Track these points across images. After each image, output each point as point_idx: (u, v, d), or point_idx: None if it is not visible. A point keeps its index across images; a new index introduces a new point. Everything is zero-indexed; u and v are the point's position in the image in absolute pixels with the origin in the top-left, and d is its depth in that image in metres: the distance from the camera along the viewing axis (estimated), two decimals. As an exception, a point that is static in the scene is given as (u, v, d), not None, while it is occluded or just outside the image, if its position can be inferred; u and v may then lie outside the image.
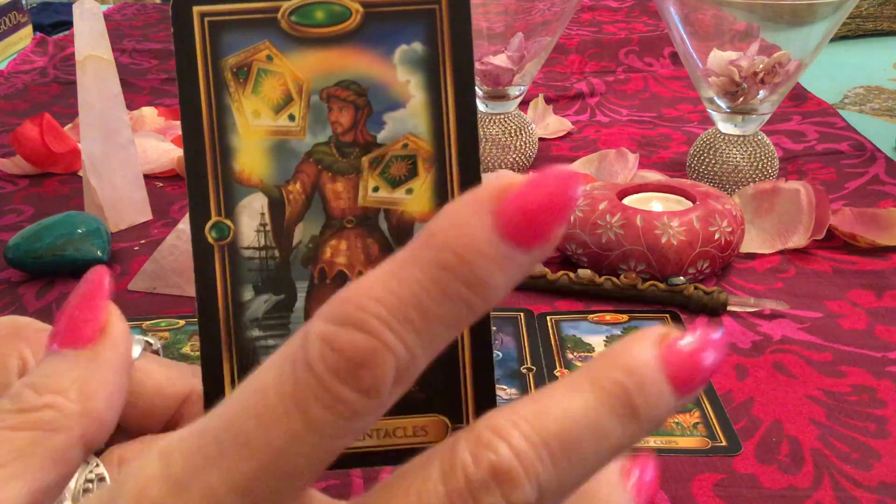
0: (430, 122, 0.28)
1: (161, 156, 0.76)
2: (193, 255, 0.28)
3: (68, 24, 1.39)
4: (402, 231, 0.29)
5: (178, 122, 0.86)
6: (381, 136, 0.28)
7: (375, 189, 0.29)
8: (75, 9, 0.62)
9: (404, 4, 0.28)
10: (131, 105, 0.89)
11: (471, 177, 0.28)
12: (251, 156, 0.28)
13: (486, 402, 0.29)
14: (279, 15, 0.28)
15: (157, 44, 1.22)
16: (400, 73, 0.28)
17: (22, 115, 0.91)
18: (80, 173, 0.74)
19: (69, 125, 0.84)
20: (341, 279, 0.29)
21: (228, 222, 0.28)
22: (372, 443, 0.29)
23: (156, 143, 0.79)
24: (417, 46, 0.28)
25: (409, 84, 0.28)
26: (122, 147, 0.65)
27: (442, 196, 0.29)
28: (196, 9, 0.28)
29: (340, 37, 0.28)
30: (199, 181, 0.28)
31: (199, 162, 0.28)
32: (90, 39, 0.62)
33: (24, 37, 1.28)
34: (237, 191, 0.28)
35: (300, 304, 0.29)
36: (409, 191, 0.29)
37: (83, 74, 0.62)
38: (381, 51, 0.28)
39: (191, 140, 0.28)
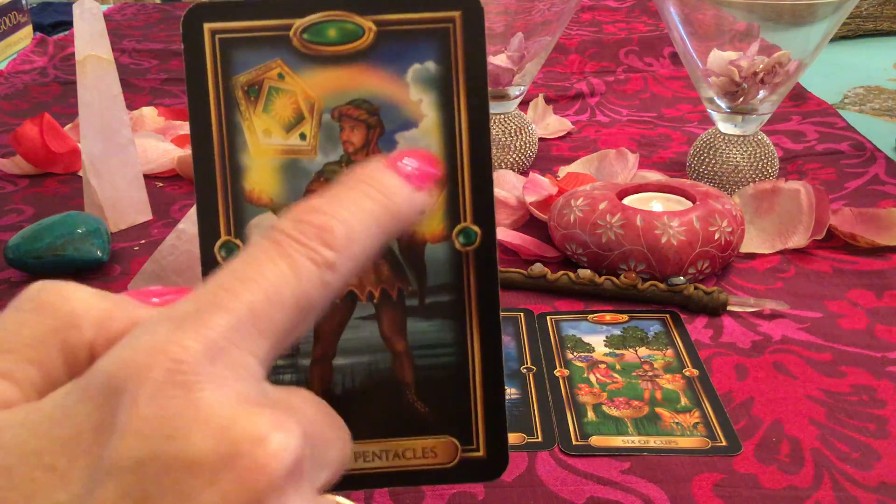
0: (442, 142, 0.28)
1: (161, 156, 0.76)
2: (202, 274, 0.27)
3: (68, 24, 1.39)
4: (413, 251, 0.28)
5: (178, 122, 0.86)
6: None
7: None
8: (75, 9, 0.62)
9: (418, 23, 0.27)
10: (131, 105, 0.89)
11: (483, 197, 0.28)
12: (262, 175, 0.28)
13: (497, 423, 0.29)
14: (291, 33, 0.27)
15: (157, 44, 1.22)
16: (413, 92, 0.28)
17: (22, 115, 0.91)
18: (80, 173, 0.74)
19: (69, 125, 0.84)
20: (351, 299, 0.29)
21: (238, 242, 0.28)
22: (381, 464, 0.29)
23: (156, 143, 0.79)
24: (430, 65, 0.28)
25: (422, 103, 0.28)
26: (122, 147, 0.65)
27: (454, 216, 0.28)
28: (207, 26, 0.27)
29: (353, 55, 0.28)
30: (209, 200, 0.28)
31: (209, 180, 0.28)
32: (90, 39, 0.62)
33: (24, 37, 1.28)
34: (247, 210, 0.28)
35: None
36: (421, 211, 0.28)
37: (83, 74, 0.62)
38: (393, 69, 0.28)
39: (201, 158, 0.28)
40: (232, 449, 0.17)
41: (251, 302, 0.19)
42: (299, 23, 0.27)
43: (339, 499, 0.35)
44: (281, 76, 0.28)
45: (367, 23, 0.27)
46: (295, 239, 0.21)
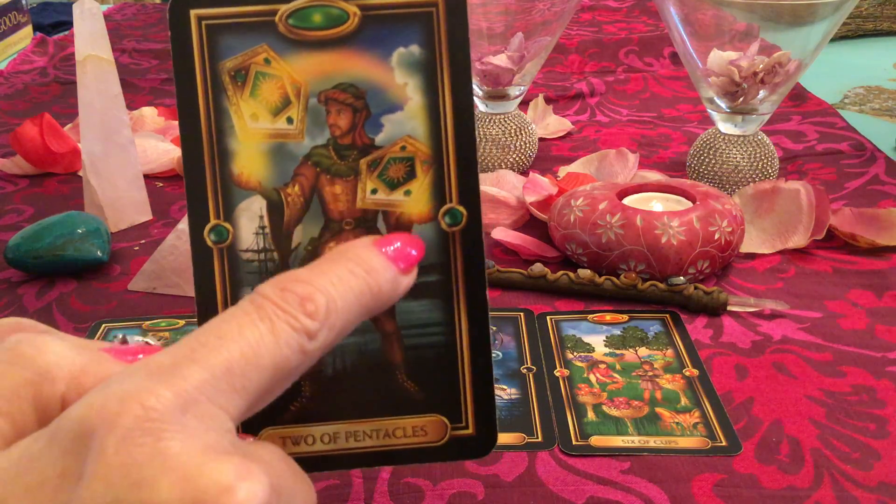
0: (427, 124, 0.28)
1: (161, 156, 0.76)
2: (192, 258, 0.28)
3: (68, 24, 1.39)
4: (400, 232, 0.29)
5: (178, 123, 0.86)
6: (380, 139, 0.29)
7: (374, 191, 0.29)
8: (75, 9, 0.62)
9: (401, 7, 0.28)
10: (131, 105, 0.89)
11: (468, 178, 0.29)
12: (250, 159, 0.28)
13: (485, 401, 0.29)
14: (277, 18, 0.28)
15: (157, 44, 1.22)
16: (398, 76, 0.28)
17: (22, 115, 0.91)
18: (80, 173, 0.74)
19: (69, 125, 0.84)
20: None
21: (227, 225, 0.28)
22: (371, 443, 0.29)
23: (156, 143, 0.79)
24: (415, 49, 0.28)
25: (407, 86, 0.28)
26: (122, 147, 0.65)
27: (440, 197, 0.29)
28: (193, 12, 0.28)
29: (338, 40, 0.28)
30: (198, 184, 0.28)
31: (198, 165, 0.28)
32: (90, 39, 0.62)
33: (24, 37, 1.28)
34: (236, 194, 0.28)
35: None
36: (408, 192, 0.29)
37: (83, 74, 0.62)
38: (378, 53, 0.28)
39: (189, 143, 0.28)
40: (199, 497, 0.17)
41: (228, 359, 0.20)
42: (284, 8, 0.28)
43: None
44: (267, 61, 0.28)
45: (352, 7, 0.28)
46: (277, 305, 0.21)
